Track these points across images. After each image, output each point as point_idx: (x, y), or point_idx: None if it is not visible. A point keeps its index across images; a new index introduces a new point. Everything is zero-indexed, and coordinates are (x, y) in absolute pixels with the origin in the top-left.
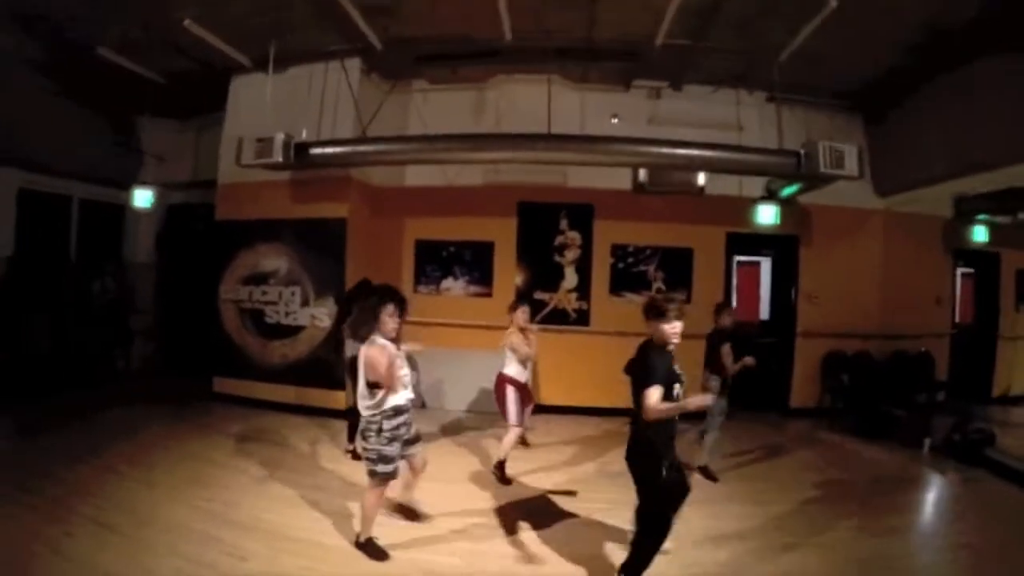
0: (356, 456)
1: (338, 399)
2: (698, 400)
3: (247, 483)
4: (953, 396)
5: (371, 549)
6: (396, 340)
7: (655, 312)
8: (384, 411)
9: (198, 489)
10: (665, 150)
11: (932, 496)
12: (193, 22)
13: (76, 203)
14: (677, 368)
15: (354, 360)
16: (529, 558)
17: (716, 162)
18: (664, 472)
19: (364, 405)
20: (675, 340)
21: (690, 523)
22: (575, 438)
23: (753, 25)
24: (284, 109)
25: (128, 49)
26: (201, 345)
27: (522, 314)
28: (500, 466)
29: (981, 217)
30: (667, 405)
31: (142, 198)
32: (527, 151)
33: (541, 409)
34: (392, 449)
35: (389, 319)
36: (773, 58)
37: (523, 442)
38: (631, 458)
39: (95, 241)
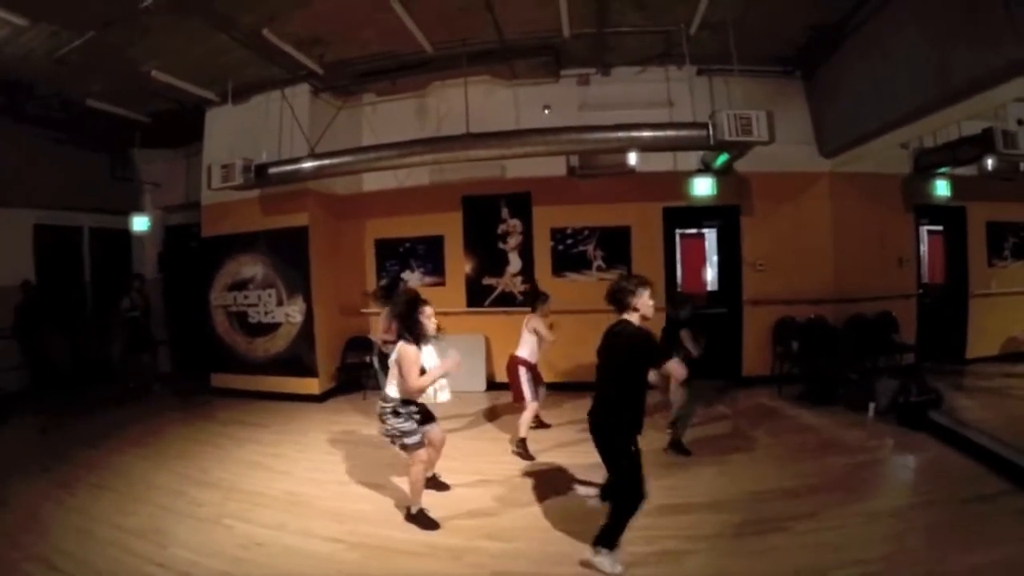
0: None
1: (312, 385)
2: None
3: (220, 454)
4: (924, 359)
5: (422, 520)
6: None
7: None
8: (399, 401)
9: (180, 460)
10: (592, 136)
11: (864, 460)
12: (159, 72)
13: (86, 232)
14: None
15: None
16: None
17: (638, 141)
18: (633, 445)
19: (390, 393)
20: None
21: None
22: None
23: (652, 3)
24: (248, 135)
25: (111, 97)
26: (201, 347)
27: (545, 308)
28: (522, 443)
29: (942, 171)
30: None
31: (139, 223)
32: (464, 151)
33: (495, 386)
34: (410, 424)
35: (428, 320)
36: (685, 32)
37: (540, 423)
38: (603, 433)
39: (106, 264)
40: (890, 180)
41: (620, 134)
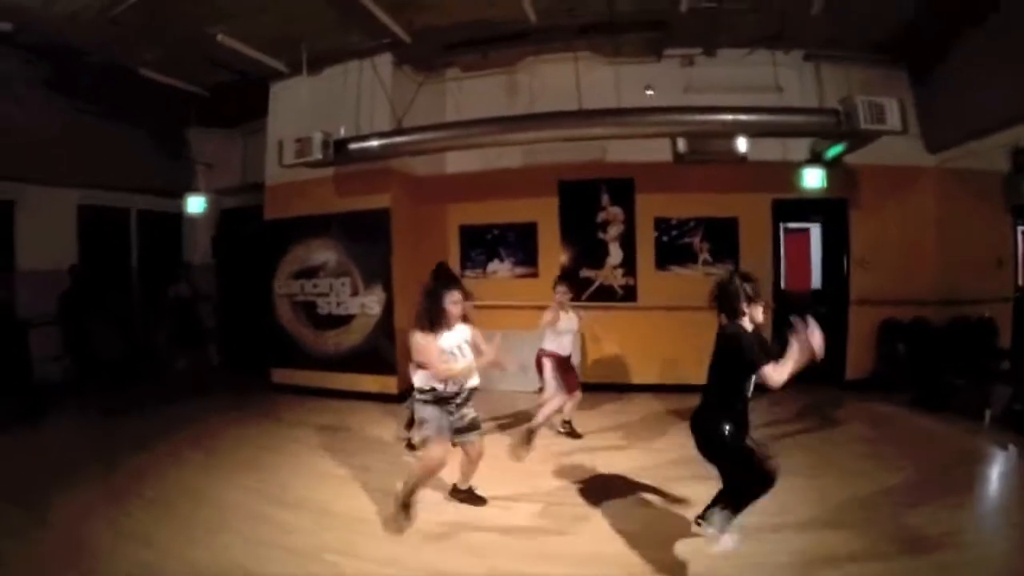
0: (412, 447)
1: (390, 384)
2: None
3: (297, 466)
4: (1018, 365)
5: (404, 511)
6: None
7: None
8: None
9: (252, 472)
10: (703, 117)
11: (990, 471)
12: (226, 36)
13: (134, 214)
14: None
15: None
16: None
17: (755, 125)
18: (743, 438)
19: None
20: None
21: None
22: (630, 419)
23: None
24: (322, 109)
25: (168, 67)
26: (258, 340)
27: (559, 295)
28: (529, 433)
29: None
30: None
31: (195, 204)
32: (564, 129)
33: (591, 388)
34: (431, 411)
35: (453, 307)
36: (805, 13)
37: (572, 433)
38: (706, 443)
39: (155, 248)
40: (991, 178)
41: (743, 117)
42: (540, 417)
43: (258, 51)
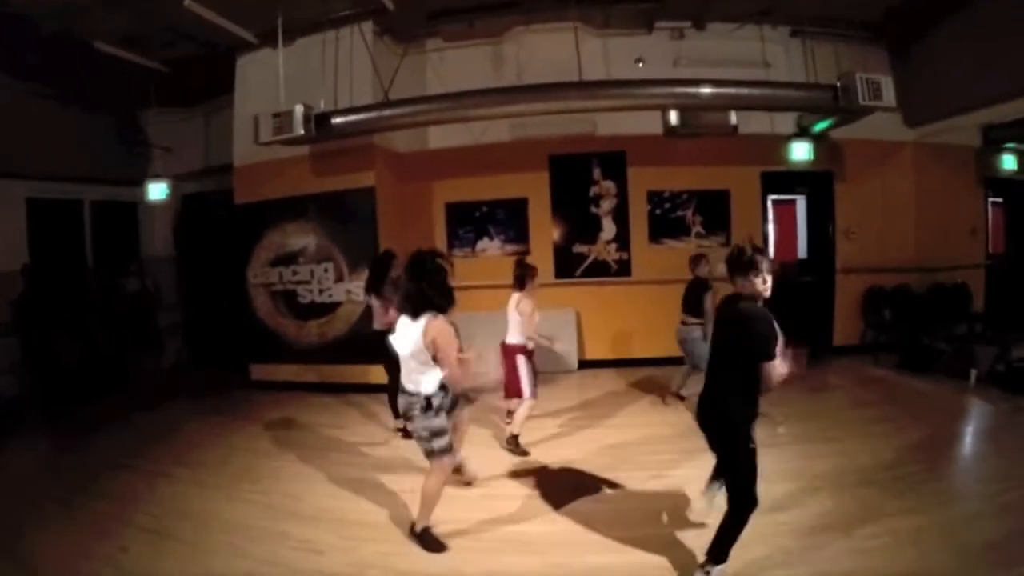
0: (407, 435)
1: (379, 373)
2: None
3: (302, 471)
4: (990, 327)
5: (428, 540)
6: None
7: (745, 266)
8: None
9: (252, 483)
10: (702, 90)
11: (990, 425)
12: (193, 2)
13: (87, 206)
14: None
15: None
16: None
17: (753, 99)
18: (753, 442)
19: (419, 381)
20: (767, 295)
21: (763, 465)
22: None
23: None
24: (297, 82)
25: (126, 39)
26: (231, 334)
27: (536, 281)
28: (514, 439)
29: (1009, 145)
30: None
31: (157, 191)
32: (560, 100)
33: (587, 364)
34: (442, 420)
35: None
36: None
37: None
38: (715, 428)
39: (111, 242)
40: (963, 151)
41: (743, 91)
42: (517, 425)
43: (228, 20)
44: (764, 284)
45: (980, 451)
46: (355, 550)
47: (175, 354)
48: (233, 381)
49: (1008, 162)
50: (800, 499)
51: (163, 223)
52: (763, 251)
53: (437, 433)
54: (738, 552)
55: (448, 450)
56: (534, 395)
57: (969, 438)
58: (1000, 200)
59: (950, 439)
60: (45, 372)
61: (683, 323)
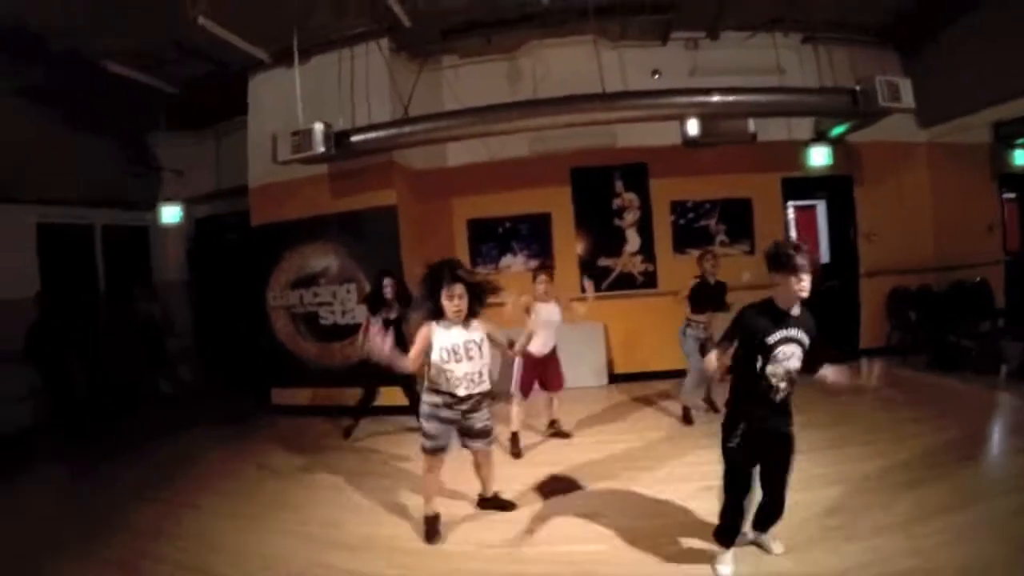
0: (347, 434)
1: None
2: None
3: (338, 498)
4: (1012, 323)
5: (427, 525)
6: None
7: (781, 262)
8: (425, 387)
9: (286, 512)
10: (723, 98)
11: (1022, 419)
12: (207, 19)
13: (98, 231)
14: (787, 328)
15: None
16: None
17: (774, 105)
18: (733, 438)
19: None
20: (803, 294)
21: (802, 468)
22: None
23: None
24: (312, 101)
25: (137, 59)
26: (248, 358)
27: (539, 284)
28: (514, 437)
29: (1020, 141)
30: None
31: (170, 214)
32: (584, 112)
33: (617, 379)
34: (431, 426)
35: (447, 303)
36: None
37: (558, 432)
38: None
39: (122, 267)
40: (976, 149)
41: (763, 97)
42: (515, 424)
43: (241, 38)
44: (799, 284)
45: (1017, 445)
46: None
47: (189, 379)
48: (252, 406)
49: (1020, 157)
50: (851, 502)
51: (175, 247)
52: (801, 248)
53: (425, 434)
54: (799, 557)
55: (428, 451)
56: (519, 392)
57: (1005, 433)
58: (1014, 196)
59: (986, 435)
60: (60, 400)
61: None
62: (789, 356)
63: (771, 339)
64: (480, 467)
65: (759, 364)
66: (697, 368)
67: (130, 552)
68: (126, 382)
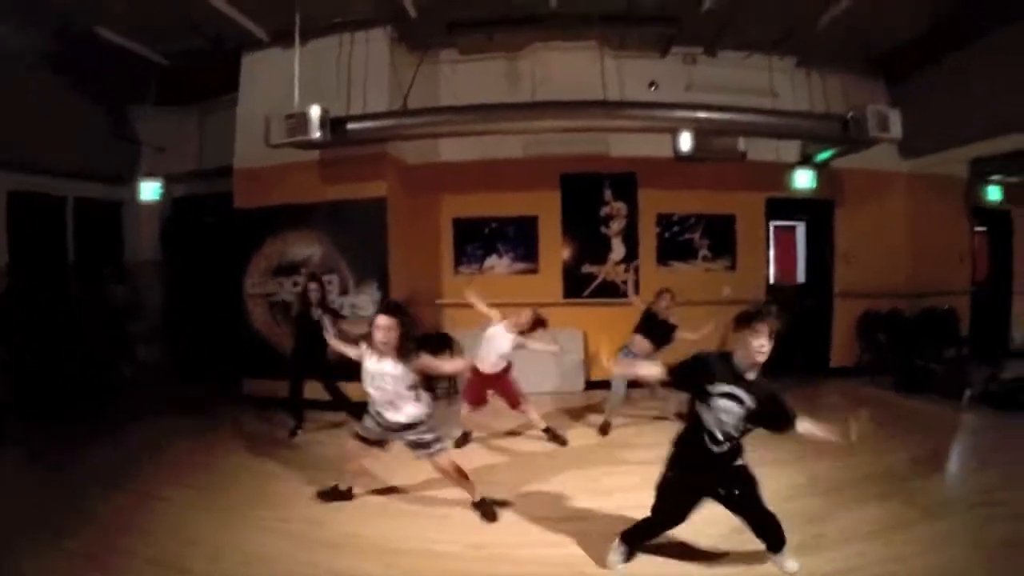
0: (293, 434)
1: None
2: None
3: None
4: (975, 351)
5: (331, 491)
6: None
7: (745, 320)
8: None
9: (265, 508)
10: (721, 115)
11: (987, 441)
12: None
13: (71, 203)
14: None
15: None
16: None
17: (768, 127)
18: (669, 474)
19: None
20: (760, 357)
21: (779, 479)
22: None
23: None
24: (307, 85)
25: (133, 24)
26: (218, 346)
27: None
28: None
29: (995, 177)
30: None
31: (149, 190)
32: (584, 119)
33: (594, 385)
34: (367, 421)
35: (375, 331)
36: (812, 23)
37: (555, 437)
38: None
39: (94, 242)
40: (953, 182)
41: (760, 118)
42: (466, 423)
43: (242, 13)
44: (758, 343)
45: (980, 463)
46: None
47: (154, 362)
48: (222, 395)
49: (993, 193)
50: (830, 511)
51: (150, 225)
52: (767, 313)
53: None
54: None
55: (355, 435)
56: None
57: (969, 452)
58: (984, 229)
59: (952, 453)
60: (25, 379)
61: None
62: (728, 411)
63: (715, 388)
64: (440, 473)
65: (699, 409)
66: (619, 391)
67: (99, 545)
68: (86, 363)
